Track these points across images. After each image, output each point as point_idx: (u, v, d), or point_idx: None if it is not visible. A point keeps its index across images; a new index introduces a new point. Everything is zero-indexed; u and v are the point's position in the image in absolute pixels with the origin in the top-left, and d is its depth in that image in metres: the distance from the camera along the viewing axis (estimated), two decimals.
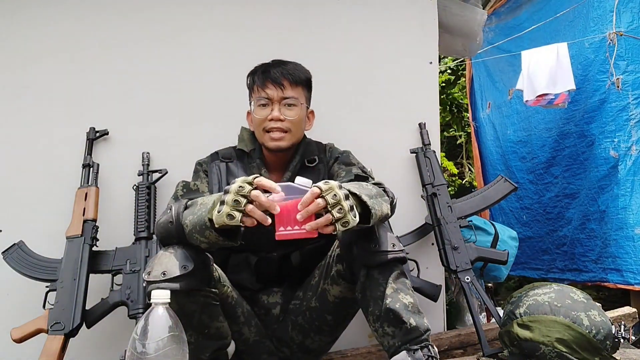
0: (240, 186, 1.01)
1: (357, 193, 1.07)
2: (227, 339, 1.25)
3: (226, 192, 1.02)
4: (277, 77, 1.39)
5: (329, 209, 0.99)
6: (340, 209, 0.99)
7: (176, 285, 1.09)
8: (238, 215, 1.00)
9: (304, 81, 1.44)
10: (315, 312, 1.34)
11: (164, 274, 1.10)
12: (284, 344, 1.38)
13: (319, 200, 0.99)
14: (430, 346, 1.12)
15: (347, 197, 1.02)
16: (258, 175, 1.04)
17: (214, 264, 1.26)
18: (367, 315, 1.20)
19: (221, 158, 1.47)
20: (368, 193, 1.11)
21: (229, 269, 1.39)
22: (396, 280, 1.16)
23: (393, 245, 1.18)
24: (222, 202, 1.01)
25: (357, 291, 1.21)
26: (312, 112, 1.53)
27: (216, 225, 1.03)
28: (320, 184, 1.01)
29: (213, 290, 1.22)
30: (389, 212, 1.19)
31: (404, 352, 1.10)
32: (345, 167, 1.43)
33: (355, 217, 1.02)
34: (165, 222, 1.17)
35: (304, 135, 1.51)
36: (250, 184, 1.01)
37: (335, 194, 1.00)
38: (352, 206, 1.02)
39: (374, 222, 1.10)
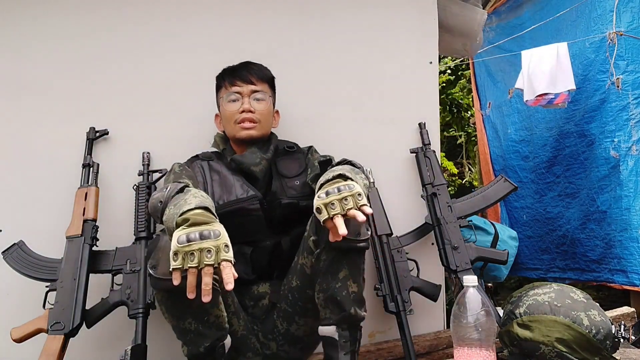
0: (212, 245, 1.00)
1: (340, 172, 1.16)
2: (225, 331, 1.25)
3: (191, 223, 1.03)
4: (245, 74, 1.51)
5: (341, 211, 1.08)
6: (345, 199, 1.09)
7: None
8: (183, 265, 0.99)
9: (269, 79, 1.56)
10: (297, 292, 1.36)
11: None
12: (269, 338, 1.40)
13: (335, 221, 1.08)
14: (359, 330, 1.27)
15: (335, 190, 1.10)
16: (232, 260, 1.03)
17: None
18: (315, 285, 1.27)
19: (201, 158, 1.54)
20: (349, 170, 1.20)
21: None
22: (352, 265, 1.24)
23: (358, 235, 1.22)
24: (184, 223, 1.02)
25: (314, 259, 1.26)
26: (277, 111, 1.64)
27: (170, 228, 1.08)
28: (315, 202, 1.11)
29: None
30: (367, 182, 1.31)
31: (333, 327, 1.23)
32: (313, 156, 1.55)
33: (354, 186, 1.11)
34: (156, 200, 1.20)
35: (272, 132, 1.59)
36: (217, 251, 1.00)
37: (332, 203, 1.09)
38: (342, 186, 1.11)
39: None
